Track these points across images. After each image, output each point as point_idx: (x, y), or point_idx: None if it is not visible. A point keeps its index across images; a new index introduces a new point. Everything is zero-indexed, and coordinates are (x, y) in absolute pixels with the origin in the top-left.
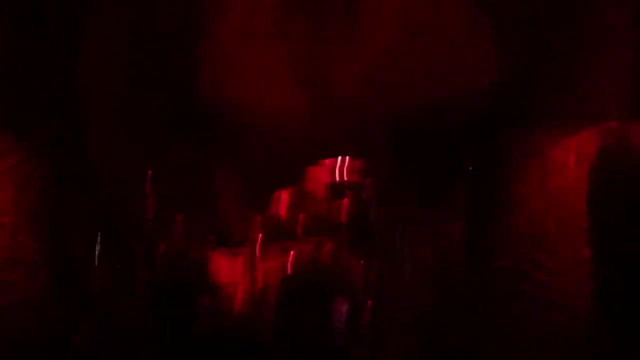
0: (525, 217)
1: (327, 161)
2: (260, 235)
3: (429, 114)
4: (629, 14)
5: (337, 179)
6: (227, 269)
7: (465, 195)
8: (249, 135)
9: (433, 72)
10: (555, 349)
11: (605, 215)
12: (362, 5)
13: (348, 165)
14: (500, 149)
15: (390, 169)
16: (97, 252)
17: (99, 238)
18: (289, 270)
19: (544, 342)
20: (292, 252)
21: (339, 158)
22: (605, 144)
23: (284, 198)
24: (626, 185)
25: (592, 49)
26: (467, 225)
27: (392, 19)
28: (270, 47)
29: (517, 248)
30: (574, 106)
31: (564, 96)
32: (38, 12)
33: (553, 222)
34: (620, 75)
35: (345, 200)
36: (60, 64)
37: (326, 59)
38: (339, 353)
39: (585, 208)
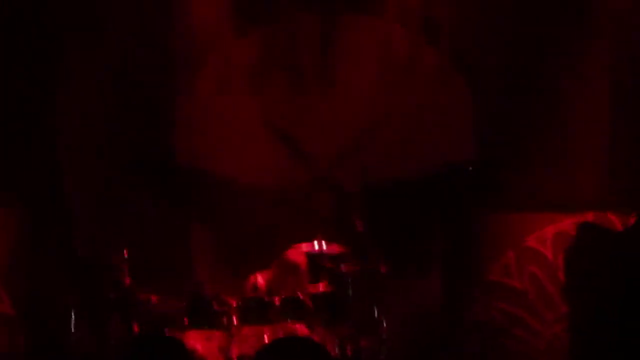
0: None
1: (304, 245)
2: (235, 316)
3: (405, 187)
4: (605, 93)
5: (314, 261)
6: (202, 350)
7: (441, 254)
8: (225, 198)
9: (409, 147)
10: None
11: (581, 298)
12: (338, 67)
13: (324, 247)
14: (476, 229)
15: (366, 242)
16: (72, 316)
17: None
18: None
19: None
20: (266, 335)
21: (315, 242)
22: (582, 236)
23: (260, 280)
24: (601, 276)
25: (570, 130)
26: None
27: (367, 87)
28: (245, 103)
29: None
30: (551, 192)
31: (541, 180)
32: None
33: (529, 283)
34: (598, 160)
35: (322, 282)
36: (36, 110)
37: (302, 115)
38: None
39: (561, 290)
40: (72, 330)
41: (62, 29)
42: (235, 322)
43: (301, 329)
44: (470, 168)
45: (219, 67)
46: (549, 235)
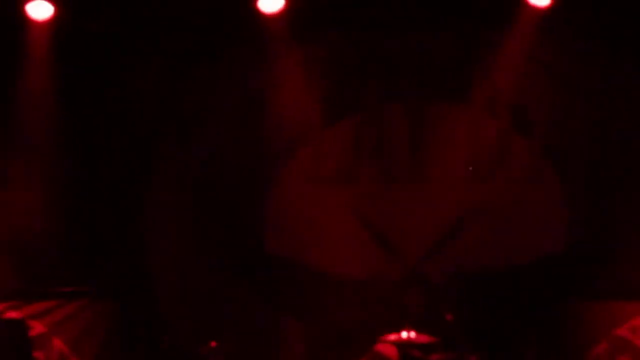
0: None
1: (393, 335)
2: None
3: (495, 278)
4: None
5: (404, 351)
6: None
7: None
8: (315, 290)
9: (498, 240)
10: None
11: None
12: (427, 159)
13: (413, 337)
14: (567, 320)
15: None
16: None
17: None
18: None
19: None
20: None
21: (404, 332)
22: None
23: None
24: None
25: None
26: None
27: (457, 180)
28: (335, 193)
29: None
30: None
31: (631, 270)
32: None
33: None
34: None
35: None
36: (127, 207)
37: (391, 208)
38: None
39: None
40: None
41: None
42: None
43: None
44: None
45: (308, 157)
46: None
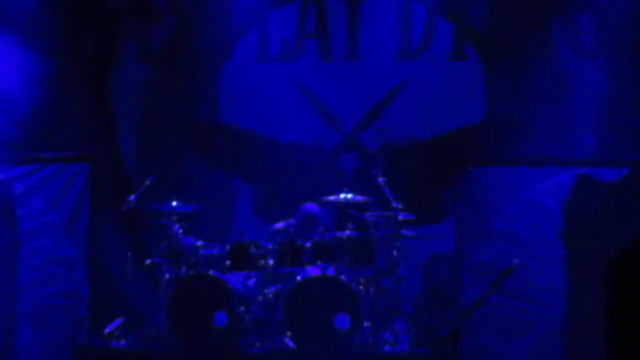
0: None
1: (331, 197)
2: (271, 259)
3: (421, 146)
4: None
5: (341, 210)
6: (242, 289)
7: (451, 206)
8: (265, 155)
9: (424, 112)
10: (527, 336)
11: (576, 242)
12: (362, 41)
13: (350, 198)
14: (483, 182)
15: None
16: (128, 256)
17: (129, 242)
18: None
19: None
20: (298, 275)
21: (342, 194)
22: (577, 188)
23: (281, 227)
24: (594, 218)
25: (567, 97)
26: (455, 228)
27: (388, 60)
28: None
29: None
30: (552, 150)
31: (544, 140)
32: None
33: (530, 229)
34: (591, 121)
35: (349, 228)
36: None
37: (330, 83)
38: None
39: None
40: (129, 272)
41: None
42: (270, 263)
43: (330, 270)
44: (471, 168)
45: (257, 38)
46: (549, 186)
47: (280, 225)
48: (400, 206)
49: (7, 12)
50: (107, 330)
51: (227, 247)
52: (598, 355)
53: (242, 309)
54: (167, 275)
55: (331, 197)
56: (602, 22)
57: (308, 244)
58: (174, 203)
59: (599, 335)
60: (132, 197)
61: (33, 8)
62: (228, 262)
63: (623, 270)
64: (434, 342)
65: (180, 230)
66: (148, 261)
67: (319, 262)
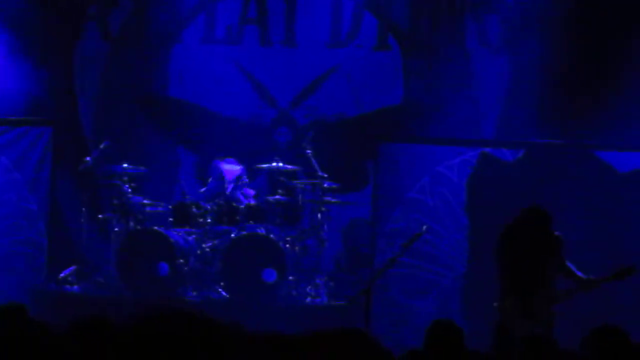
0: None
1: (264, 165)
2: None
3: (347, 124)
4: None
5: (273, 176)
6: (182, 243)
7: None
8: (208, 127)
9: (352, 93)
10: (432, 293)
11: (477, 213)
12: (298, 28)
13: (281, 166)
14: (399, 158)
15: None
16: (83, 211)
17: (85, 199)
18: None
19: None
20: (232, 233)
21: (274, 162)
22: (480, 165)
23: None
24: (493, 192)
25: (475, 84)
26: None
27: (321, 46)
28: (225, 53)
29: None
30: (459, 132)
31: (451, 122)
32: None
33: (439, 200)
34: (494, 107)
35: (279, 193)
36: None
37: (268, 64)
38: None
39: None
40: (84, 225)
41: None
42: (209, 222)
43: (260, 229)
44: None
45: (204, 23)
46: (456, 163)
47: (202, 189)
48: (325, 175)
49: None
50: (61, 275)
51: (171, 206)
52: (491, 310)
53: (182, 261)
54: (117, 229)
55: (264, 165)
56: (506, 23)
57: (242, 206)
58: (125, 165)
59: (492, 292)
60: (89, 158)
61: None
62: (171, 220)
63: (510, 239)
64: (350, 296)
65: (130, 190)
66: (101, 216)
67: (251, 222)
